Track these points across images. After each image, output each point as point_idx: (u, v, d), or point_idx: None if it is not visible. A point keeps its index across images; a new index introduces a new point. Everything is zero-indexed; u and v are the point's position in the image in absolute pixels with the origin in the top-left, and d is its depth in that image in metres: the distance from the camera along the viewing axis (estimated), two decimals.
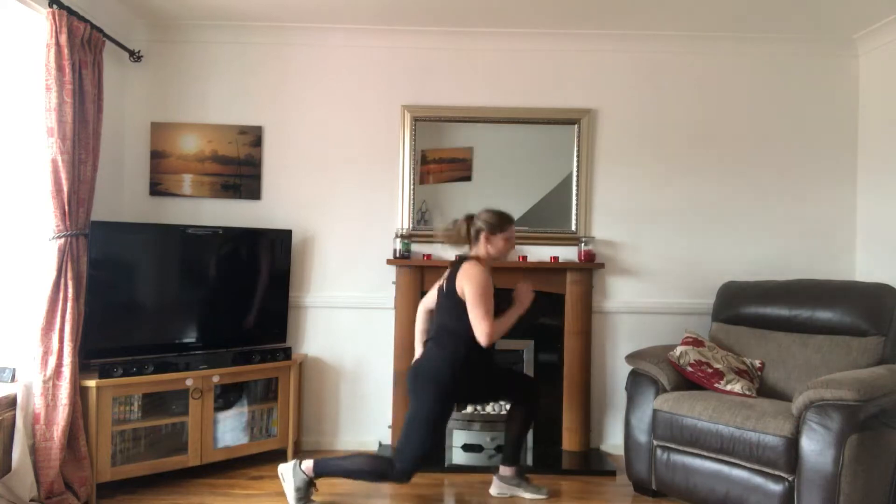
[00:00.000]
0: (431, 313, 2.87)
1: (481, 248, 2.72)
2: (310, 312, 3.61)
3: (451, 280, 2.67)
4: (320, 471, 2.69)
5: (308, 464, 2.69)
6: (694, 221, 3.63)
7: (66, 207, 2.69)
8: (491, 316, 2.56)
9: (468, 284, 2.58)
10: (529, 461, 3.33)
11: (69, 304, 2.69)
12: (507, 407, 3.50)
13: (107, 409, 2.84)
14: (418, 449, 2.61)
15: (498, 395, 3.01)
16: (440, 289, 2.77)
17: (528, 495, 2.89)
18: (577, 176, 3.60)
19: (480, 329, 2.55)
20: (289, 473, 2.71)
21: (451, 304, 2.65)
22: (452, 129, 3.62)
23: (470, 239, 2.75)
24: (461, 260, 2.71)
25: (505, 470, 2.93)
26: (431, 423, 2.63)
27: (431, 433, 2.64)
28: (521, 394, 2.90)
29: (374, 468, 2.66)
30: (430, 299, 2.89)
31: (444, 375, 2.62)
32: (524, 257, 3.51)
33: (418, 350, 2.88)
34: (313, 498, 2.76)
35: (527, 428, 2.93)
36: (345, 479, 2.74)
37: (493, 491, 2.94)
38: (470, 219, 2.77)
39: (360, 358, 3.62)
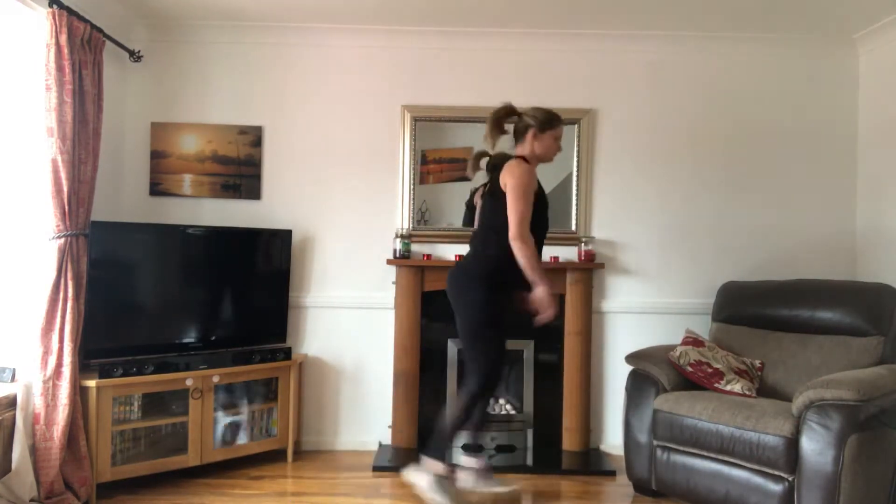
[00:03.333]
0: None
1: (527, 147, 2.59)
2: (310, 312, 3.61)
3: (495, 180, 2.53)
4: (435, 454, 2.54)
5: (437, 465, 2.52)
6: (694, 221, 3.63)
7: (66, 207, 2.70)
8: (528, 217, 2.40)
9: (510, 178, 2.44)
10: (529, 461, 3.33)
11: (69, 304, 2.69)
12: (508, 407, 3.52)
13: (107, 409, 2.83)
14: (489, 355, 2.45)
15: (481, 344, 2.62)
16: (484, 189, 2.63)
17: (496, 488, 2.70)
18: (577, 176, 3.60)
19: (514, 225, 2.38)
20: (422, 481, 2.55)
21: (495, 202, 2.51)
22: (452, 129, 3.62)
23: (495, 135, 2.59)
24: (503, 159, 2.56)
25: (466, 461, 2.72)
26: (492, 324, 2.45)
27: (496, 334, 2.45)
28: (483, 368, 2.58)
29: (462, 408, 2.51)
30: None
31: (490, 270, 2.47)
32: None
33: None
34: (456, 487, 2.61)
35: (462, 419, 2.57)
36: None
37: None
38: (517, 115, 2.61)
39: (360, 358, 3.62)
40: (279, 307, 3.46)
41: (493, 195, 2.55)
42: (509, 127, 2.68)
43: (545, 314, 2.43)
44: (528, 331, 3.47)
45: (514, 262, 2.47)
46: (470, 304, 2.49)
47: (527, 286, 2.51)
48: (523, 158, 2.59)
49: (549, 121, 2.59)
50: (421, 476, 2.56)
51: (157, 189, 3.55)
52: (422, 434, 3.51)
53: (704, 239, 3.63)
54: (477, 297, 2.48)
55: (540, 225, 2.60)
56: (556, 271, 3.50)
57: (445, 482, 2.54)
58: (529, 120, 2.59)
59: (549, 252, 3.54)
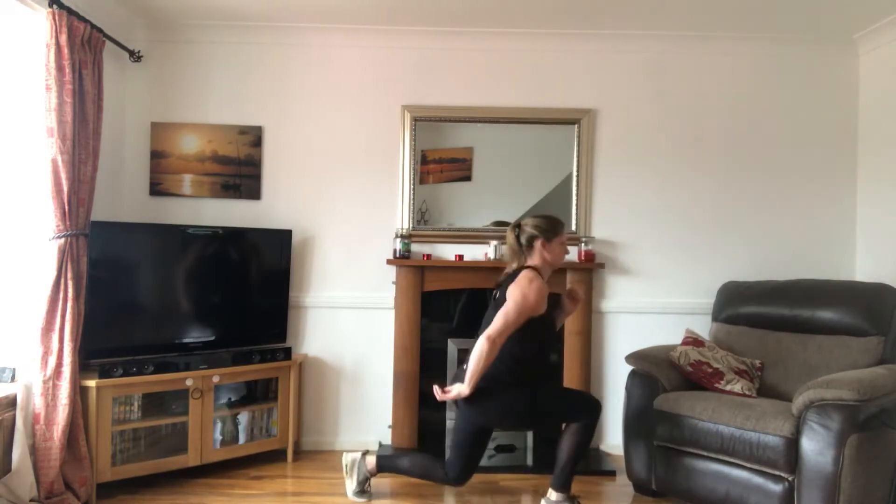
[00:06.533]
0: None
1: (537, 257, 2.61)
2: (310, 312, 3.61)
3: (504, 289, 2.55)
4: (382, 467, 2.82)
5: (371, 461, 2.83)
6: (694, 221, 3.63)
7: (66, 207, 2.69)
8: (509, 330, 2.44)
9: (514, 289, 2.48)
10: (530, 461, 3.33)
11: (69, 304, 2.69)
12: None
13: (107, 409, 2.84)
14: (468, 461, 2.64)
15: (552, 416, 2.69)
16: (493, 297, 2.66)
17: None
18: (577, 176, 3.60)
19: (494, 326, 2.42)
20: (353, 466, 2.85)
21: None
22: (452, 129, 3.62)
23: (521, 248, 2.64)
24: (519, 269, 2.60)
25: (553, 494, 2.63)
26: (480, 437, 2.63)
27: (480, 446, 2.65)
28: (579, 413, 2.65)
29: (431, 472, 2.74)
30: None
31: (494, 389, 2.53)
32: None
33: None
34: (368, 490, 2.88)
35: (581, 448, 2.60)
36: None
37: None
38: (516, 227, 2.66)
39: (360, 358, 3.62)
40: (279, 307, 3.46)
41: (500, 307, 2.52)
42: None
43: (443, 395, 2.54)
44: None
45: (514, 378, 2.56)
46: (471, 415, 2.60)
47: (530, 401, 2.60)
48: (534, 268, 2.58)
49: (552, 229, 2.63)
50: (358, 470, 2.86)
51: (157, 189, 3.55)
52: (422, 434, 3.51)
53: (704, 239, 3.63)
54: (478, 411, 2.58)
55: (545, 337, 2.71)
56: (555, 271, 3.48)
57: (367, 484, 2.88)
58: (534, 231, 2.62)
59: None
